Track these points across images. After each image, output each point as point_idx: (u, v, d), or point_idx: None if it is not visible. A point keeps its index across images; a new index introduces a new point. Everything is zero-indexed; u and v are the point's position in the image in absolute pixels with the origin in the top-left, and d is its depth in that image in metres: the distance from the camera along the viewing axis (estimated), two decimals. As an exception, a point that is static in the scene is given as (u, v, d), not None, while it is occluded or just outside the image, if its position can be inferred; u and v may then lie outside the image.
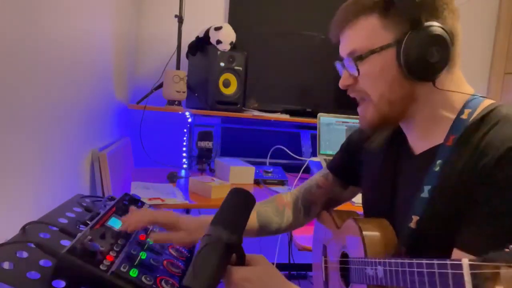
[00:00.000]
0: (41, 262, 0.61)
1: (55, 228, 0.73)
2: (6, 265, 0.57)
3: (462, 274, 0.44)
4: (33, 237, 0.67)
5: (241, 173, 1.88)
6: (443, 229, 0.67)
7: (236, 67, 1.96)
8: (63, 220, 0.79)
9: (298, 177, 1.85)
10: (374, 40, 0.71)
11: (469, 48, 2.75)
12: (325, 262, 1.00)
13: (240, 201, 0.67)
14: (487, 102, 0.71)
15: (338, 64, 0.80)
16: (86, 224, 0.78)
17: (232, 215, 0.65)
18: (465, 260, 0.44)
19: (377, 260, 0.68)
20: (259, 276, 0.62)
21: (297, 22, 2.35)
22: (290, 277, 2.35)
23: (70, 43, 1.04)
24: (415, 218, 0.70)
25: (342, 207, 1.08)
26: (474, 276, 0.43)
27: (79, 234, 0.67)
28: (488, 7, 2.74)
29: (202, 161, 2.05)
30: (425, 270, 0.53)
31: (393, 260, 0.62)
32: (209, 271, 0.59)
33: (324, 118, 1.99)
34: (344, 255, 0.88)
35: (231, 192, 0.68)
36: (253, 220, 0.97)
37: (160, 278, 0.69)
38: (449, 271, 0.47)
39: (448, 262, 0.48)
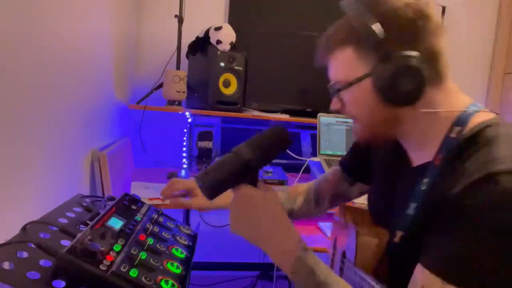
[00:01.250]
0: (41, 262, 0.61)
1: (55, 228, 0.73)
2: (6, 265, 0.57)
3: None
4: (33, 237, 0.67)
5: (241, 173, 1.87)
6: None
7: (236, 67, 1.96)
8: (63, 220, 0.79)
9: (298, 177, 1.85)
10: (350, 72, 0.74)
11: (469, 48, 2.75)
12: (333, 254, 1.04)
13: (274, 134, 0.73)
14: (479, 118, 0.69)
15: (329, 87, 0.84)
16: (86, 224, 0.78)
17: (261, 141, 0.71)
18: None
19: (357, 271, 0.76)
20: (260, 198, 0.68)
21: (297, 22, 2.35)
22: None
23: (70, 43, 1.04)
24: (399, 233, 0.72)
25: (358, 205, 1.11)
26: None
27: (79, 234, 0.67)
28: (488, 7, 2.74)
29: (202, 161, 2.05)
30: None
31: (365, 278, 0.71)
32: (219, 175, 0.67)
33: (324, 118, 1.99)
34: (344, 254, 0.91)
35: (271, 125, 0.74)
36: None
37: (160, 278, 0.69)
38: None
39: None
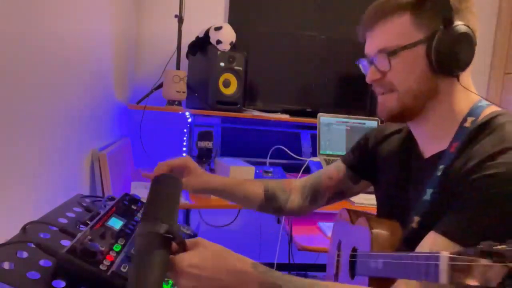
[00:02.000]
0: (41, 262, 0.61)
1: (55, 228, 0.73)
2: (6, 265, 0.57)
3: (439, 265, 0.49)
4: (33, 237, 0.67)
5: (241, 173, 1.88)
6: None
7: (236, 67, 1.96)
8: (63, 220, 0.79)
9: (298, 177, 1.85)
10: (405, 37, 0.75)
11: (469, 48, 2.75)
12: (338, 256, 1.04)
13: (166, 188, 0.66)
14: (489, 110, 0.75)
15: (363, 61, 0.84)
16: (86, 224, 0.78)
17: (160, 204, 0.62)
18: (445, 253, 0.48)
19: (377, 253, 0.75)
20: (205, 259, 0.61)
21: (297, 22, 2.35)
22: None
23: (70, 43, 1.04)
24: (416, 218, 0.75)
25: (360, 208, 1.11)
26: (450, 267, 0.47)
27: (79, 234, 0.67)
28: (488, 7, 2.74)
29: (202, 161, 2.05)
30: (414, 262, 0.57)
31: (389, 253, 0.70)
32: (153, 276, 0.55)
33: (324, 118, 1.99)
34: (354, 250, 0.92)
35: (154, 182, 0.66)
36: (259, 191, 1.07)
37: (160, 278, 0.69)
38: (432, 262, 0.51)
39: (431, 254, 0.52)
